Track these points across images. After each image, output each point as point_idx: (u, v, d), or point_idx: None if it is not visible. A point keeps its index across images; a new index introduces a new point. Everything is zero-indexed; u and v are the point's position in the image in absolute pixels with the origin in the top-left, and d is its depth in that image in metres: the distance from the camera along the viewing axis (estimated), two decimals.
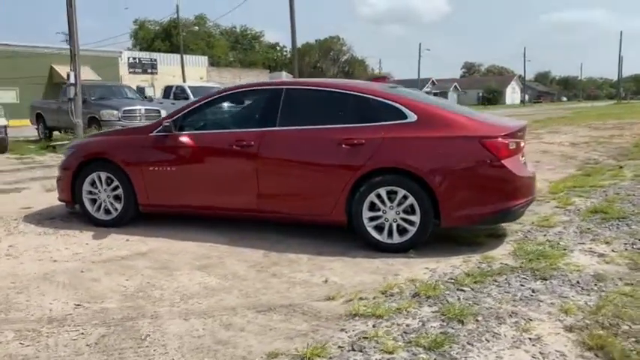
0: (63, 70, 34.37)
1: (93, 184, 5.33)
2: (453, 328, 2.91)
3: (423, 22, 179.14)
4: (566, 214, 5.60)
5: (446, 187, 4.29)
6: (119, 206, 5.26)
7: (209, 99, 5.13)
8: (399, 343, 2.75)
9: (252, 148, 4.75)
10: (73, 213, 5.71)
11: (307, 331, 3.00)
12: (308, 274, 3.99)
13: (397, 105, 4.55)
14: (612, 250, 4.32)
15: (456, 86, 79.25)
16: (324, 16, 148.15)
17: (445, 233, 4.66)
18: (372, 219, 4.47)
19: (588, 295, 3.38)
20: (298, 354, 2.67)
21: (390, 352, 2.65)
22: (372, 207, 4.45)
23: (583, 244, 4.52)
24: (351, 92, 4.75)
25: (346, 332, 2.93)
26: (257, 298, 3.53)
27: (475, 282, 3.61)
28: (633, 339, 2.75)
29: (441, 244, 4.53)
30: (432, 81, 76.07)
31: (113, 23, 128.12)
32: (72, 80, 12.69)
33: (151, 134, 5.12)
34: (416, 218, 4.34)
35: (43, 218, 5.70)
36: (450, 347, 2.69)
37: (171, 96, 19.12)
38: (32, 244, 4.77)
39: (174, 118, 5.08)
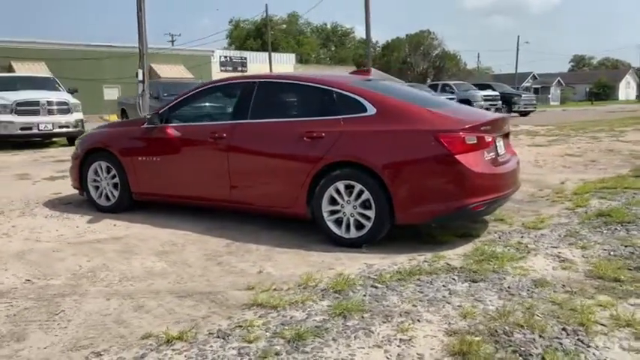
0: (160, 68, 36.94)
1: (96, 172, 5.77)
2: (331, 323, 2.86)
3: (531, 14, 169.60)
4: (569, 217, 5.20)
5: (399, 183, 4.17)
6: (117, 193, 5.64)
7: (191, 93, 5.34)
8: (267, 334, 2.76)
9: (225, 141, 4.90)
10: (87, 200, 6.19)
11: (200, 317, 3.08)
12: (251, 264, 4.06)
13: (358, 97, 4.48)
14: (582, 256, 3.97)
15: (559, 81, 74.38)
16: (427, 9, 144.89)
17: (422, 231, 4.56)
18: (332, 213, 4.45)
19: (509, 300, 3.16)
20: (165, 337, 2.77)
21: (250, 342, 2.67)
22: (333, 201, 4.43)
23: (555, 247, 4.19)
24: (316, 85, 4.74)
25: (230, 320, 2.98)
26: (186, 285, 3.66)
27: (397, 280, 3.49)
28: (512, 349, 2.55)
29: (404, 241, 4.41)
30: (533, 75, 72.00)
31: (212, 23, 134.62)
32: (140, 78, 13.62)
33: (142, 126, 5.43)
34: (371, 213, 4.26)
35: (60, 203, 6.25)
36: (312, 341, 2.66)
37: None
38: (32, 225, 5.27)
39: (161, 111, 5.36)
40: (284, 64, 44.92)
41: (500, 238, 4.51)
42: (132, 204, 5.68)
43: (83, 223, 5.33)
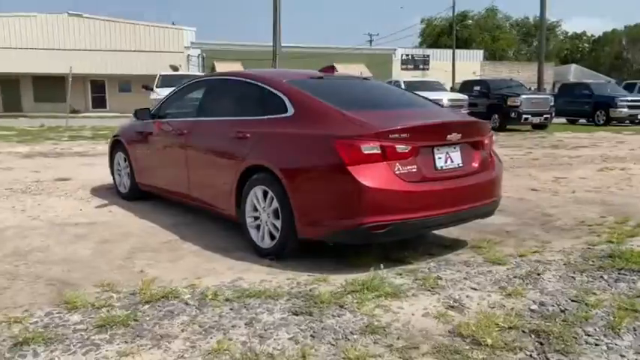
0: (340, 68, 38.28)
1: (118, 162, 6.32)
2: (78, 333, 2.73)
3: None
4: (569, 254, 4.10)
5: (298, 193, 3.75)
6: (129, 182, 6.11)
7: (177, 89, 5.49)
8: (16, 332, 2.76)
9: (184, 138, 4.96)
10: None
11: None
12: (152, 262, 4.05)
13: (282, 96, 4.13)
14: (488, 306, 3.11)
15: None
16: None
17: (356, 249, 4.05)
18: (254, 219, 4.20)
19: (298, 343, 2.63)
20: None
21: None
22: (255, 207, 4.18)
23: (476, 290, 3.35)
24: (250, 82, 4.49)
25: (24, 313, 3.04)
26: (68, 272, 3.80)
27: (227, 299, 3.17)
28: None
29: (325, 258, 3.94)
30: None
31: (403, 22, 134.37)
32: None
33: (142, 121, 5.77)
34: (279, 223, 3.92)
35: (103, 188, 6.96)
36: (38, 346, 2.58)
37: None
38: (53, 204, 5.98)
39: (156, 106, 5.62)
40: (470, 61, 42.88)
41: (430, 269, 3.76)
42: (144, 194, 6.06)
43: (89, 207, 5.88)
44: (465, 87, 21.03)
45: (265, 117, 4.19)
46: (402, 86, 18.43)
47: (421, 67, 41.70)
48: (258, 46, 35.21)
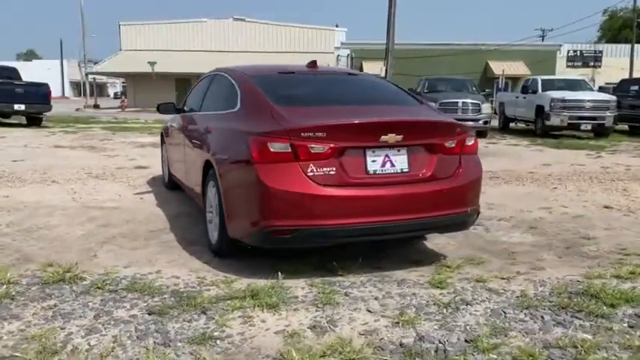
0: (497, 65, 36.10)
1: (162, 154, 6.75)
2: None
3: None
4: (531, 285, 3.38)
5: (226, 190, 3.64)
6: (167, 173, 6.49)
7: (196, 83, 5.64)
8: None
9: (183, 131, 5.11)
10: None
11: None
12: (117, 247, 4.23)
13: (238, 92, 4.03)
14: (359, 332, 2.70)
15: None
16: None
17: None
18: (211, 214, 4.19)
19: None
20: None
21: None
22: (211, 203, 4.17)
23: (364, 312, 2.95)
24: (228, 78, 4.40)
25: None
26: (40, 249, 4.14)
27: (99, 287, 3.22)
28: None
29: (262, 261, 3.79)
30: None
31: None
32: (382, 74, 14.05)
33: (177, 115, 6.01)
34: (218, 221, 3.85)
35: (162, 178, 7.50)
36: None
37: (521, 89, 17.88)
38: (104, 189, 6.57)
39: (183, 100, 5.86)
40: None
41: (350, 284, 3.38)
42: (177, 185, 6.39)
43: (129, 194, 6.37)
44: (622, 86, 18.34)
45: (224, 112, 4.14)
46: (539, 85, 16.71)
47: (591, 64, 37.37)
48: (405, 45, 34.75)
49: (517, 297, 3.17)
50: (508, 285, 3.39)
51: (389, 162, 3.44)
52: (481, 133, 15.45)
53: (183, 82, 37.72)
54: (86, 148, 11.10)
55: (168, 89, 34.19)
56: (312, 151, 3.25)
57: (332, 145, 3.28)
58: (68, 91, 72.13)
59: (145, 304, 3.00)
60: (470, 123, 15.12)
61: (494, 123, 19.18)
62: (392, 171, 3.44)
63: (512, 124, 18.94)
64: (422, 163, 3.53)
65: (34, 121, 16.69)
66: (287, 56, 35.57)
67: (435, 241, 4.45)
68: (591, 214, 5.52)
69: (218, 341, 2.58)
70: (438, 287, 3.31)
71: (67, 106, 33.97)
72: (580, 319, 2.85)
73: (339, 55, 36.57)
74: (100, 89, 62.89)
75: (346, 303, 3.06)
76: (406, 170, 3.48)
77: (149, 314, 2.87)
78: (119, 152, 10.44)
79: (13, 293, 3.12)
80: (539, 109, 15.78)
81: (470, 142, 3.77)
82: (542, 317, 2.87)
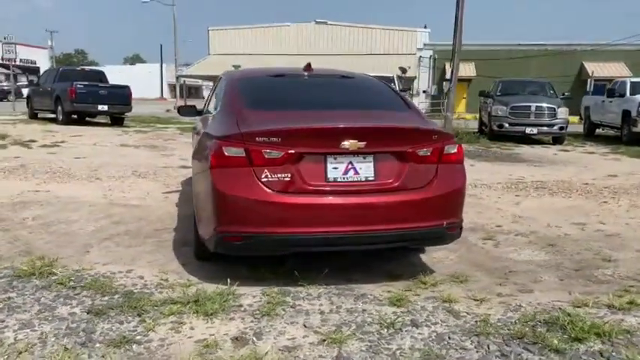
0: (592, 66, 33.73)
1: None
2: None
3: None
4: (501, 310, 3.06)
5: (194, 194, 3.69)
6: None
7: (213, 87, 5.70)
8: None
9: (197, 133, 5.19)
10: None
11: None
12: (114, 245, 4.40)
13: (222, 94, 4.04)
14: (279, 348, 2.58)
15: None
16: None
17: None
18: None
19: None
20: None
21: None
22: None
23: (287, 325, 2.81)
24: (224, 81, 4.40)
25: None
26: (46, 243, 4.39)
27: (60, 282, 3.34)
28: None
29: (240, 266, 3.77)
30: None
31: None
32: (447, 76, 13.56)
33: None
34: None
35: None
36: None
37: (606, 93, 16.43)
38: (138, 187, 6.83)
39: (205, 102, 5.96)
40: None
41: (306, 296, 3.25)
42: None
43: (157, 193, 6.59)
44: None
45: (211, 114, 4.16)
46: (627, 87, 15.31)
47: None
48: (489, 46, 33.39)
49: (476, 322, 2.89)
50: (476, 308, 3.10)
51: (352, 169, 3.27)
52: (557, 140, 14.53)
53: None
54: (148, 147, 11.67)
55: None
56: (267, 157, 3.16)
57: (288, 151, 3.17)
58: (166, 93, 76.71)
59: (91, 303, 3.07)
60: (545, 129, 14.30)
61: (579, 129, 17.93)
62: (355, 179, 3.27)
63: (598, 130, 17.54)
64: (391, 172, 3.32)
65: (117, 120, 17.83)
66: (368, 58, 35.45)
67: (432, 255, 4.19)
68: (629, 234, 4.94)
69: (135, 345, 2.57)
70: (395, 305, 3.10)
71: (160, 107, 36.05)
72: (531, 352, 2.53)
73: (421, 57, 35.83)
74: (195, 91, 66.29)
75: (287, 315, 2.94)
76: (371, 179, 3.29)
77: (87, 313, 2.92)
78: (176, 152, 10.86)
79: None
80: (626, 114, 14.47)
81: (451, 150, 3.49)
82: (487, 347, 2.58)
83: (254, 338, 2.66)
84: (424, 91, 35.14)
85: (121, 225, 5.01)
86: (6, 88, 37.77)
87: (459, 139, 13.37)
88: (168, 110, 35.13)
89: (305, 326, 2.81)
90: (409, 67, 34.43)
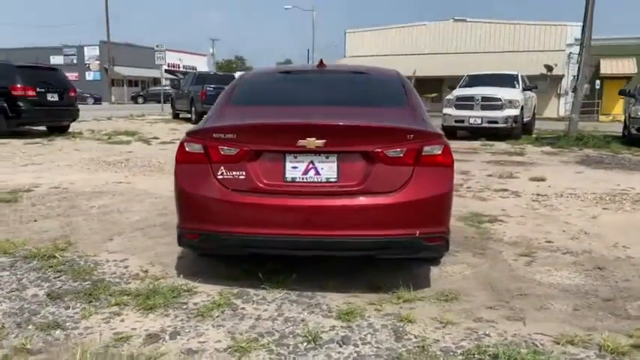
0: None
1: None
2: None
3: None
4: (463, 336, 2.64)
5: None
6: None
7: None
8: None
9: None
10: None
11: None
12: (118, 234, 4.66)
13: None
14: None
15: None
16: None
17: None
18: None
19: None
20: None
21: None
22: None
23: (210, 328, 2.69)
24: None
25: None
26: (63, 227, 4.79)
27: (36, 268, 3.58)
28: None
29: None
30: None
31: None
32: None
33: None
34: None
35: None
36: None
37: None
38: (159, 179, 7.01)
39: None
40: None
41: (255, 299, 3.11)
42: None
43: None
44: None
45: None
46: None
47: None
48: None
49: (414, 347, 2.51)
50: (432, 332, 2.71)
51: (313, 169, 3.05)
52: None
53: None
54: None
55: None
56: (223, 153, 3.08)
57: (243, 148, 3.06)
58: None
59: (58, 287, 3.25)
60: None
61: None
62: (316, 180, 3.05)
63: None
64: (356, 174, 3.03)
65: None
66: (510, 56, 33.24)
67: (446, 268, 3.76)
68: None
69: (59, 331, 2.67)
70: (340, 319, 2.82)
71: None
72: None
73: (571, 53, 32.63)
74: None
75: (219, 318, 2.84)
76: (334, 180, 3.04)
77: (47, 296, 3.10)
78: None
79: None
80: None
81: (433, 151, 3.09)
82: None
83: (167, 337, 2.61)
84: (573, 90, 32.01)
85: (162, 217, 5.24)
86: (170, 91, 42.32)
87: (582, 144, 12.14)
88: None
89: (228, 332, 2.68)
90: (555, 65, 31.67)
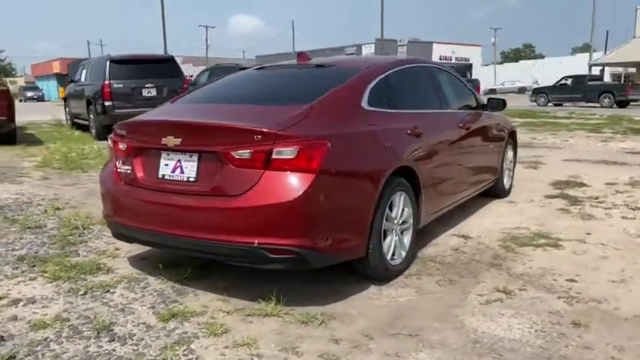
0: None
1: None
2: None
3: None
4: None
5: None
6: None
7: None
8: None
9: None
10: None
11: None
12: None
13: None
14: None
15: None
16: None
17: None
18: None
19: None
20: None
21: None
22: None
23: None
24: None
25: None
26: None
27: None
28: None
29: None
30: None
31: None
32: None
33: None
34: None
35: None
36: None
37: None
38: None
39: None
40: None
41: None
42: None
43: None
44: None
45: None
46: None
47: None
48: None
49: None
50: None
51: (179, 168, 3.04)
52: None
53: None
54: None
55: None
56: (120, 149, 3.33)
57: (129, 144, 3.26)
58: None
59: (26, 252, 3.89)
60: None
61: None
62: (179, 178, 3.03)
63: None
64: (210, 175, 2.91)
65: None
66: None
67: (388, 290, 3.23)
68: None
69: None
70: (163, 320, 2.77)
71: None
72: None
73: None
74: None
75: (86, 299, 3.06)
76: (193, 179, 2.98)
77: (22, 261, 3.76)
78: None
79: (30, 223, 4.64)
80: None
81: (285, 155, 2.71)
82: None
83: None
84: None
85: None
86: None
87: None
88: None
89: (65, 310, 2.90)
90: None
